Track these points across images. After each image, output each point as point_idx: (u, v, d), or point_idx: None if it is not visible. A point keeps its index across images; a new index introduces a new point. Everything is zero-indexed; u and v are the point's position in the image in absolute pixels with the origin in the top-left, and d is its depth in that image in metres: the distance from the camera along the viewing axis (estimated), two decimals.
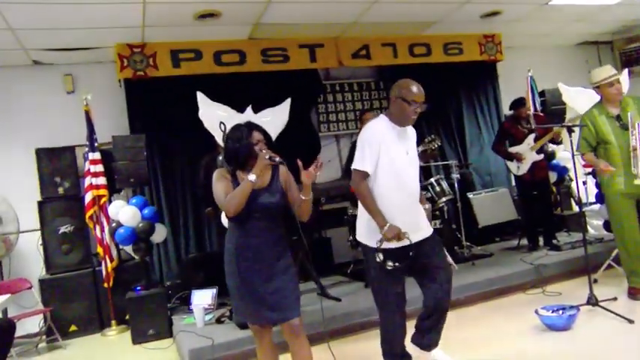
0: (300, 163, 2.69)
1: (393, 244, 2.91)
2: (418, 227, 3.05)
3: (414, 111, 2.96)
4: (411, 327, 3.17)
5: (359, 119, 5.62)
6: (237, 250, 2.72)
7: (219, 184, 2.72)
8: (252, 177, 2.61)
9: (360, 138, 3.09)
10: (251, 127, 2.78)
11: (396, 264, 2.90)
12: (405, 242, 2.90)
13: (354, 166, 3.01)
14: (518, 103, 5.75)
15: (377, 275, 3.04)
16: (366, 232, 3.04)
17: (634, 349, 3.23)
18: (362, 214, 3.08)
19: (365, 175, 2.98)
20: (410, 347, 3.18)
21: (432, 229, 3.19)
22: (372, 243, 2.95)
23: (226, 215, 2.78)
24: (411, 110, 2.96)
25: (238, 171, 2.77)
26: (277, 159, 2.70)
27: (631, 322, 3.52)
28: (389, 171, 2.95)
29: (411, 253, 2.92)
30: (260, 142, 2.74)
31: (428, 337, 3.15)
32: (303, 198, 2.74)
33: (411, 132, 3.19)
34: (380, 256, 2.88)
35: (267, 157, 2.68)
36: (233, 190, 2.65)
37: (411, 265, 3.01)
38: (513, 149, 5.68)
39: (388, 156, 2.95)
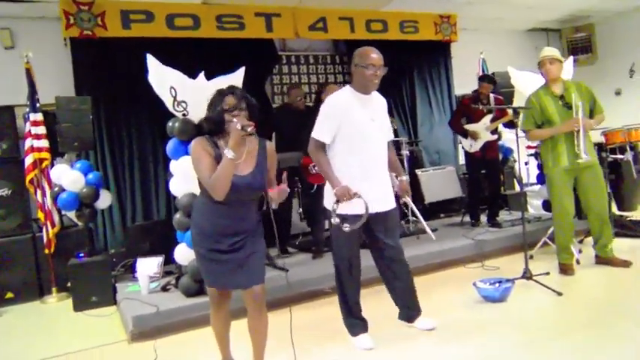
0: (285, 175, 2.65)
1: (349, 211, 3.00)
2: (378, 197, 3.12)
3: (373, 74, 3.03)
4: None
5: (315, 93, 5.58)
6: (216, 228, 2.59)
7: (202, 161, 2.48)
8: (229, 153, 2.40)
9: (322, 108, 3.14)
10: (225, 91, 2.56)
11: (352, 226, 2.98)
12: (358, 210, 2.96)
13: (312, 134, 3.11)
14: (486, 78, 5.83)
15: (335, 237, 3.16)
16: (328, 197, 3.14)
17: (562, 319, 3.46)
18: (327, 184, 3.16)
19: (321, 144, 3.09)
20: (399, 324, 3.40)
21: (394, 205, 3.26)
22: (331, 206, 3.05)
23: (214, 197, 2.49)
24: (370, 74, 3.03)
25: (220, 141, 2.54)
26: (250, 129, 2.44)
27: (560, 294, 3.77)
28: (351, 137, 3.04)
29: (362, 219, 2.98)
30: (236, 109, 2.50)
31: (404, 310, 3.40)
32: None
33: (378, 101, 3.24)
34: (335, 219, 2.98)
35: (238, 126, 2.43)
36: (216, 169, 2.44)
37: (365, 231, 3.14)
38: (469, 127, 5.81)
39: (351, 123, 3.04)
